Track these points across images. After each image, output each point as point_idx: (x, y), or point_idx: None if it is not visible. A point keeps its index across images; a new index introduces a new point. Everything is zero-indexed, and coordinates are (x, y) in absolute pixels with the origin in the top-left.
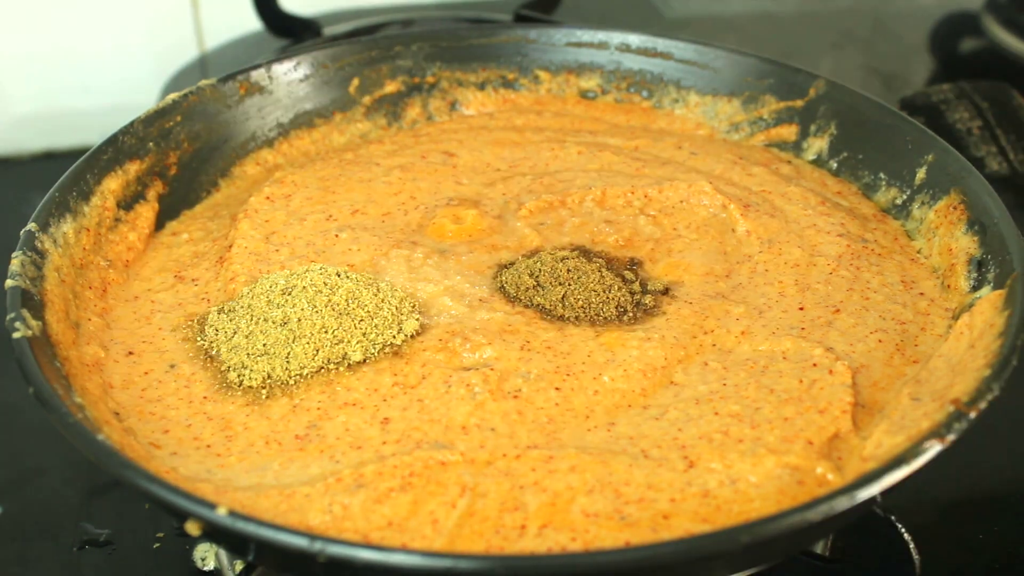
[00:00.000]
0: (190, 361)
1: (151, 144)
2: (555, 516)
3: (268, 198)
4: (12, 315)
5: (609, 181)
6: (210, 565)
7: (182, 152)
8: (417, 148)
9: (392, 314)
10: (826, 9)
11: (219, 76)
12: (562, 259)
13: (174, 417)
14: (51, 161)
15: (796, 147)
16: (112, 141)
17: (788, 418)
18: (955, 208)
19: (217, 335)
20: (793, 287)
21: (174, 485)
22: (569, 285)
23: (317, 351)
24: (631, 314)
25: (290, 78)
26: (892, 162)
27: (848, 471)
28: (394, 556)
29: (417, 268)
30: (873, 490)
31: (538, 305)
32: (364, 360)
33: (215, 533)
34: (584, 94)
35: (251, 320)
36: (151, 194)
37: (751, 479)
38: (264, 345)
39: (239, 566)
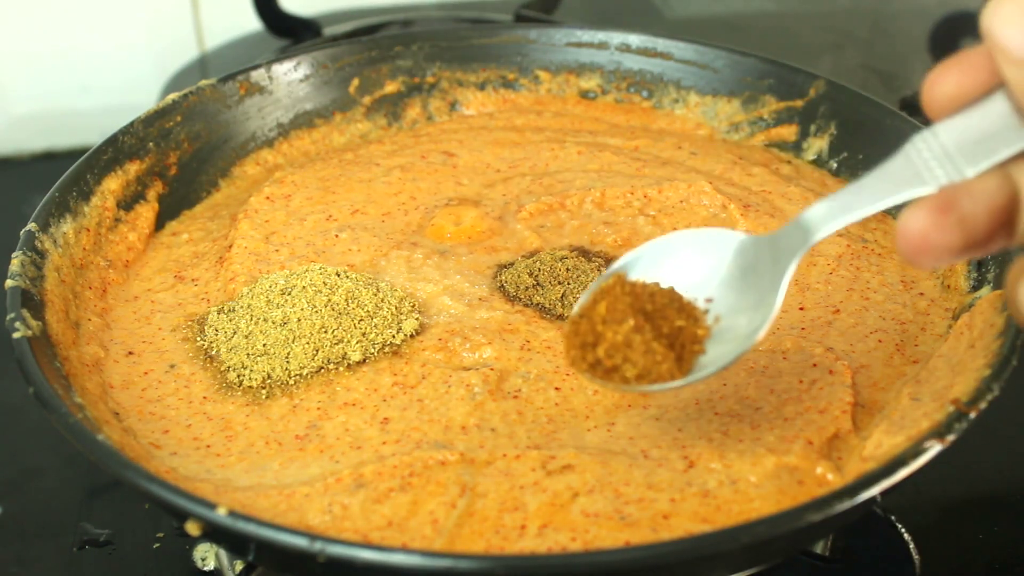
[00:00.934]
0: (190, 361)
1: (151, 144)
2: (555, 516)
3: (268, 198)
4: (12, 315)
5: (609, 181)
6: (210, 565)
7: (182, 152)
8: (417, 148)
9: (392, 314)
10: (826, 9)
11: (219, 76)
12: (561, 258)
13: (174, 417)
14: (51, 161)
15: (796, 147)
16: (112, 141)
17: (788, 418)
18: None
19: (217, 335)
20: (793, 287)
21: (174, 485)
22: (568, 284)
23: (316, 351)
24: None
25: (290, 78)
26: None
27: (848, 471)
28: (394, 556)
29: (417, 268)
30: (873, 490)
31: (537, 304)
32: (364, 360)
33: (215, 533)
34: (584, 94)
35: (251, 320)
36: (151, 194)
37: (751, 479)
38: (264, 345)
39: (239, 566)
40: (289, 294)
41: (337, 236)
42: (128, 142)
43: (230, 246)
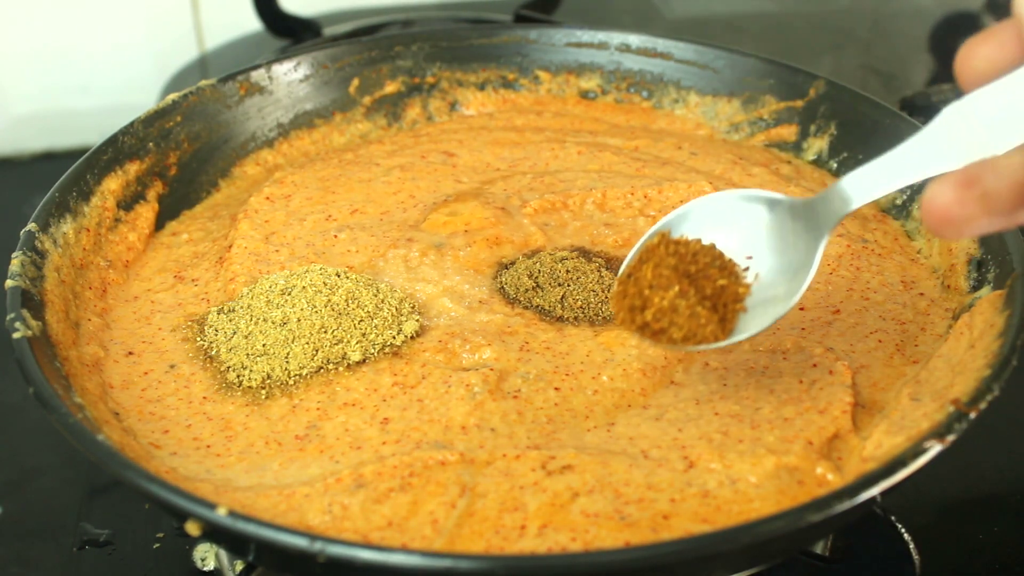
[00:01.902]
0: (190, 361)
1: (151, 144)
2: (555, 516)
3: (268, 198)
4: (12, 315)
5: (609, 182)
6: (210, 565)
7: (182, 152)
8: (417, 148)
9: (392, 315)
10: (826, 9)
11: (219, 76)
12: (561, 260)
13: (174, 417)
14: (51, 161)
15: (796, 147)
16: (112, 141)
17: (788, 418)
18: None
19: (217, 335)
20: None
21: (174, 485)
22: (568, 286)
23: (316, 351)
24: None
25: (290, 78)
26: None
27: (848, 471)
28: (394, 556)
29: (415, 268)
30: (873, 490)
31: (537, 306)
32: (363, 360)
33: (215, 533)
34: (584, 94)
35: (250, 320)
36: (151, 194)
37: (751, 479)
38: (263, 345)
39: (239, 566)
40: (289, 294)
41: (337, 236)
42: (128, 142)
43: (230, 246)
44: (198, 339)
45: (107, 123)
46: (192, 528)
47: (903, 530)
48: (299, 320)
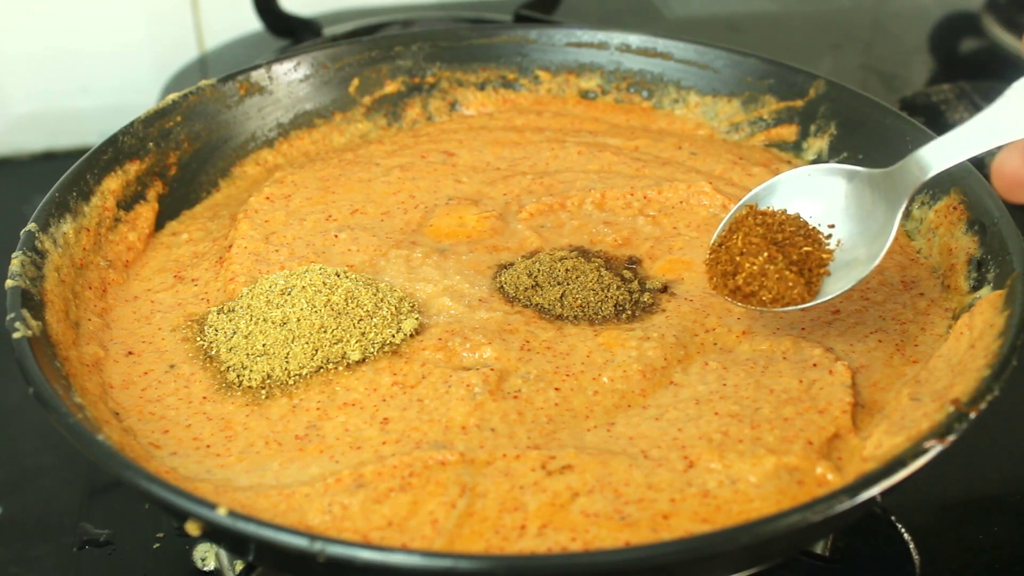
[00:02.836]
0: (190, 361)
1: (151, 144)
2: (555, 516)
3: (268, 198)
4: (12, 315)
5: (609, 182)
6: (210, 565)
7: (182, 152)
8: (417, 148)
9: (391, 314)
10: (826, 9)
11: (219, 76)
12: (560, 259)
13: (174, 417)
14: (51, 161)
15: (796, 147)
16: (112, 141)
17: (788, 418)
18: (955, 208)
19: (216, 335)
20: None
21: (174, 485)
22: (567, 285)
23: (316, 351)
24: (629, 312)
25: (290, 78)
26: (892, 162)
27: (848, 471)
28: (394, 556)
29: (416, 268)
30: (873, 490)
31: (536, 305)
32: (363, 360)
33: (215, 533)
34: (584, 94)
35: (250, 320)
36: (151, 194)
37: (751, 479)
38: (263, 345)
39: (239, 566)
40: (289, 294)
41: (336, 236)
42: (128, 142)
43: (230, 246)
44: (198, 339)
45: (107, 123)
46: (192, 528)
47: (903, 530)
48: (299, 320)
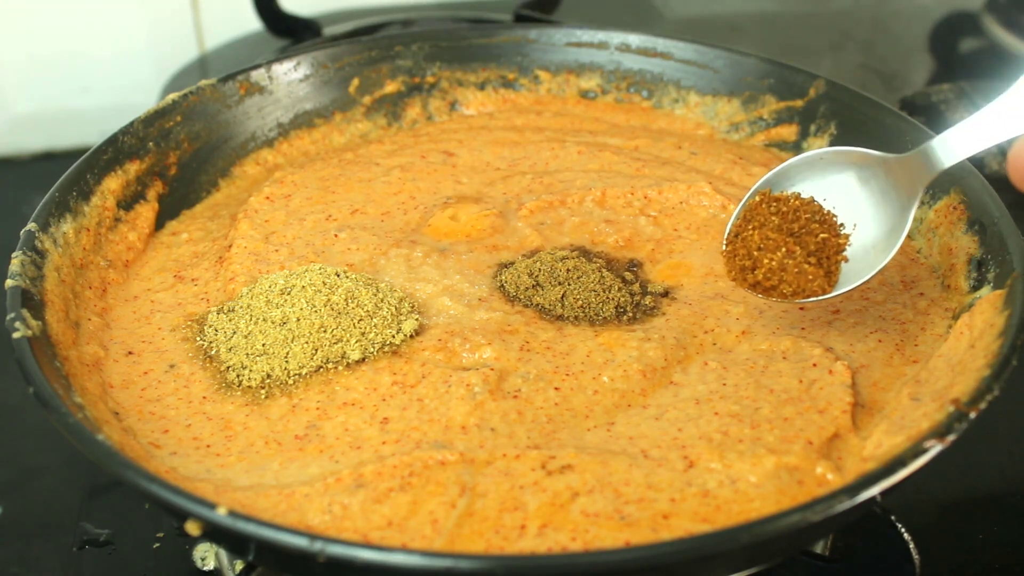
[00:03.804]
0: (189, 361)
1: (151, 144)
2: (555, 516)
3: (268, 198)
4: (12, 315)
5: (609, 181)
6: (210, 565)
7: (182, 152)
8: (417, 148)
9: (391, 314)
10: (826, 9)
11: (219, 76)
12: (561, 259)
13: (173, 417)
14: (51, 161)
15: (796, 147)
16: (112, 141)
17: (788, 418)
18: (955, 208)
19: (216, 335)
20: None
21: (174, 485)
22: (568, 285)
23: (316, 350)
24: (630, 314)
25: (290, 78)
26: None
27: (848, 471)
28: (394, 556)
29: (416, 268)
30: (873, 490)
31: (537, 305)
32: (363, 359)
33: (215, 533)
34: (584, 94)
35: (250, 320)
36: (151, 194)
37: (751, 479)
38: (263, 345)
39: (239, 566)
40: (288, 294)
41: (336, 236)
42: (128, 142)
43: (230, 246)
44: (198, 339)
45: (107, 123)
46: (192, 528)
47: (903, 530)
48: (298, 319)
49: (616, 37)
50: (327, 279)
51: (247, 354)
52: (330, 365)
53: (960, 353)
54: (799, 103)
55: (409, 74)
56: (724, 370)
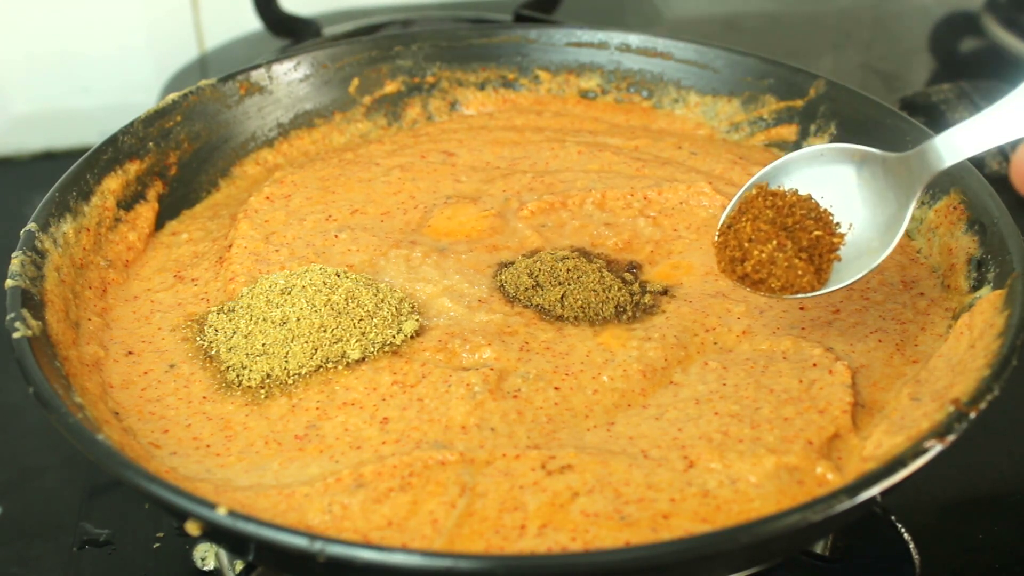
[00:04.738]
0: (189, 361)
1: (151, 144)
2: (555, 516)
3: (268, 198)
4: (12, 315)
5: (609, 182)
6: (210, 565)
7: (182, 152)
8: (417, 148)
9: (391, 314)
10: (826, 9)
11: (219, 76)
12: (562, 259)
13: (173, 417)
14: (51, 161)
15: (796, 147)
16: (112, 141)
17: (788, 418)
18: (955, 208)
19: (216, 335)
20: None
21: (174, 485)
22: (568, 285)
23: (315, 350)
24: (630, 313)
25: (290, 78)
26: None
27: (848, 471)
28: (394, 556)
29: (416, 268)
30: (873, 490)
31: (537, 305)
32: (363, 359)
33: (215, 533)
34: (584, 94)
35: (250, 320)
36: (151, 194)
37: (751, 479)
38: (263, 345)
39: (239, 566)
40: (288, 294)
41: (336, 236)
42: (128, 142)
43: (230, 246)
44: (198, 339)
45: (107, 123)
46: (192, 528)
47: (903, 530)
48: (298, 319)
49: (616, 37)
50: (327, 279)
51: (247, 354)
52: (330, 365)
53: (960, 353)
54: (799, 103)
55: (409, 74)
56: (724, 370)
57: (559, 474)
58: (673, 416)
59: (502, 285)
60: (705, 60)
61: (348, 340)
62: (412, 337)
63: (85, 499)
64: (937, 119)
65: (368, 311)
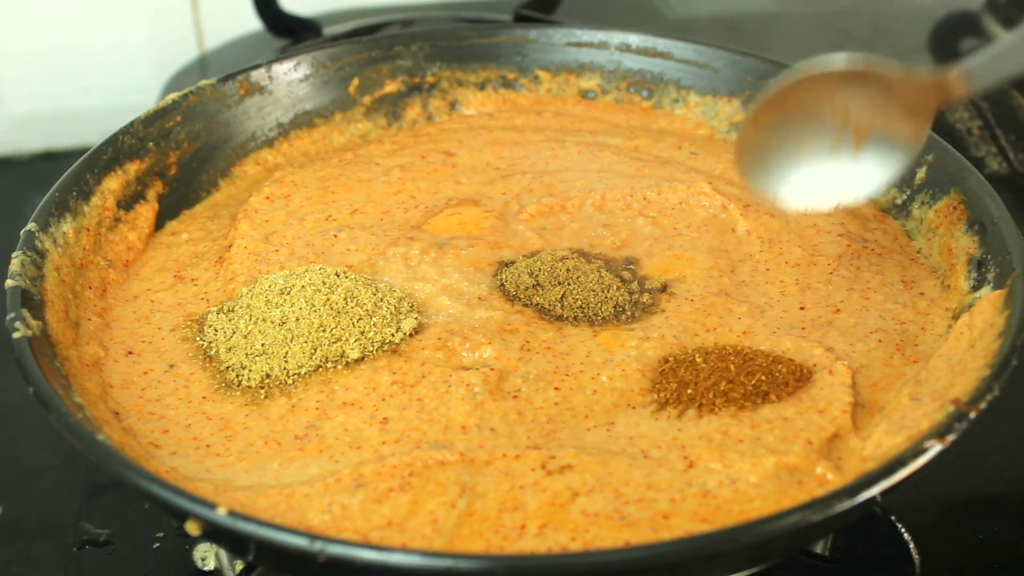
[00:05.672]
0: (189, 361)
1: (151, 144)
2: (555, 516)
3: (268, 198)
4: (12, 315)
5: (609, 182)
6: (210, 565)
7: (182, 152)
8: (417, 148)
9: (391, 313)
10: (826, 9)
11: (219, 76)
12: (561, 259)
13: (173, 417)
14: (51, 161)
15: None
16: (112, 141)
17: (788, 418)
18: (955, 208)
19: (216, 335)
20: (794, 286)
21: (174, 485)
22: (568, 285)
23: (315, 350)
24: (629, 313)
25: (290, 78)
26: None
27: (848, 471)
28: (394, 556)
29: (415, 266)
30: (873, 490)
31: (537, 305)
32: (362, 358)
33: (215, 533)
34: (584, 94)
35: (250, 320)
36: (151, 194)
37: (751, 479)
38: (263, 345)
39: (239, 566)
40: (288, 294)
41: (336, 236)
42: (128, 142)
43: (230, 246)
44: (198, 339)
45: (107, 123)
46: (192, 528)
47: (903, 530)
48: (298, 319)
49: (616, 37)
50: (327, 279)
51: (247, 354)
52: (329, 364)
53: (960, 353)
54: None
55: (409, 74)
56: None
57: (559, 474)
58: (673, 416)
59: (502, 284)
60: (705, 60)
61: (347, 339)
62: (411, 335)
63: (85, 499)
64: (937, 119)
65: (367, 310)
